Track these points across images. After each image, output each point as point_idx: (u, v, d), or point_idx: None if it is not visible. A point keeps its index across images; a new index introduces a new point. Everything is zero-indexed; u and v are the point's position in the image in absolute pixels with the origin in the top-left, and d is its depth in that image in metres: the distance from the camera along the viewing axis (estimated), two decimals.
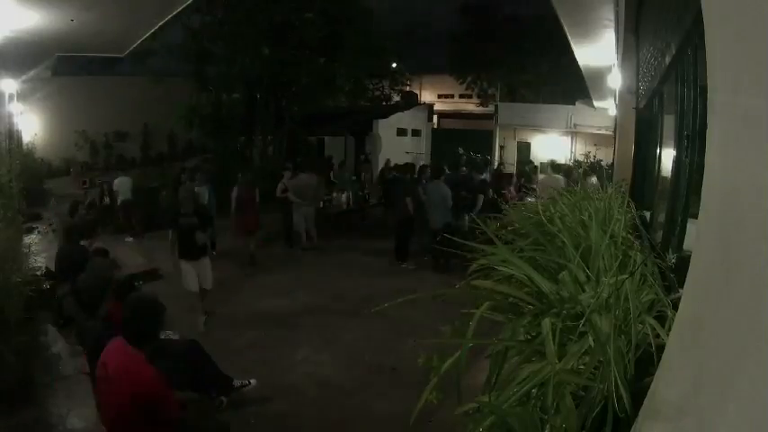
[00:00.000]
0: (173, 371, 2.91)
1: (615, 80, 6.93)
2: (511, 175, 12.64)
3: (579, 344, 1.30)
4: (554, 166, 9.90)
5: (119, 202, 9.65)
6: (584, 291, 1.52)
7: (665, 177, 3.28)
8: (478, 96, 27.05)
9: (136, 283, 3.96)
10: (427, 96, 28.90)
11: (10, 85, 9.03)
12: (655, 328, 1.36)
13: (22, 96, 10.66)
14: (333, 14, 13.68)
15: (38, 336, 4.49)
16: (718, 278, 0.84)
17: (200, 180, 8.39)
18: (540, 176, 10.94)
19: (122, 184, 9.68)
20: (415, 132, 17.55)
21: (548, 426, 1.19)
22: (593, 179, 5.97)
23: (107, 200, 9.89)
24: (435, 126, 21.09)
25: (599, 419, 1.18)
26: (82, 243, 5.22)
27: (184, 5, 5.98)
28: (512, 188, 9.82)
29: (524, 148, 16.45)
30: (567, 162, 13.25)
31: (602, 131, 13.07)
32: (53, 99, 15.41)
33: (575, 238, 1.78)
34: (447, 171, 8.41)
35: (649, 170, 4.40)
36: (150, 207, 9.94)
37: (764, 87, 0.68)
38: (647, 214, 3.75)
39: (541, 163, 14.82)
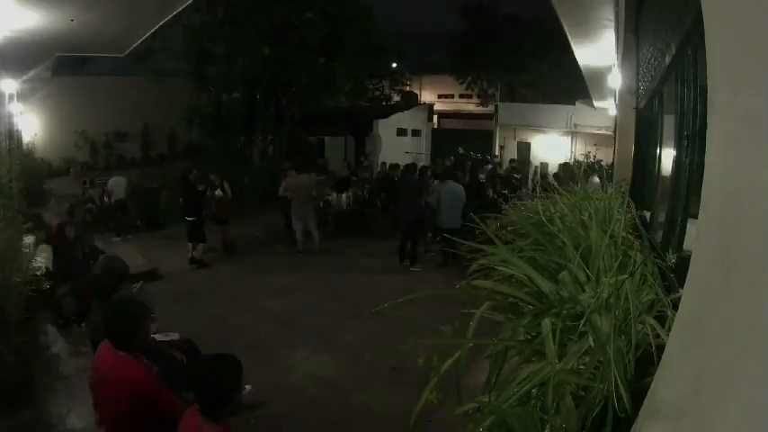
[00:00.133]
0: (171, 371, 2.91)
1: (615, 80, 6.91)
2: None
3: (579, 344, 1.30)
4: (562, 167, 9.89)
5: (113, 201, 9.71)
6: (584, 291, 1.52)
7: (665, 177, 3.28)
8: (478, 96, 26.97)
9: (136, 284, 3.95)
10: (427, 96, 28.86)
11: (10, 85, 9.00)
12: (655, 328, 1.36)
13: (22, 96, 10.63)
14: (333, 14, 13.67)
15: (38, 336, 4.50)
16: (718, 278, 0.84)
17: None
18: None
19: (117, 185, 9.76)
20: (415, 132, 17.55)
21: (548, 426, 1.19)
22: (596, 179, 5.95)
23: (107, 200, 9.93)
24: (435, 126, 21.06)
25: (599, 419, 1.18)
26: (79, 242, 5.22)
27: (184, 5, 5.97)
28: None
29: (524, 148, 16.40)
30: (567, 161, 13.21)
31: (603, 131, 13.03)
32: (53, 99, 15.37)
33: (575, 238, 1.78)
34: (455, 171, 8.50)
35: (649, 170, 4.39)
36: (150, 207, 9.95)
37: (764, 87, 0.68)
38: (647, 214, 3.75)
39: (541, 163, 14.81)
